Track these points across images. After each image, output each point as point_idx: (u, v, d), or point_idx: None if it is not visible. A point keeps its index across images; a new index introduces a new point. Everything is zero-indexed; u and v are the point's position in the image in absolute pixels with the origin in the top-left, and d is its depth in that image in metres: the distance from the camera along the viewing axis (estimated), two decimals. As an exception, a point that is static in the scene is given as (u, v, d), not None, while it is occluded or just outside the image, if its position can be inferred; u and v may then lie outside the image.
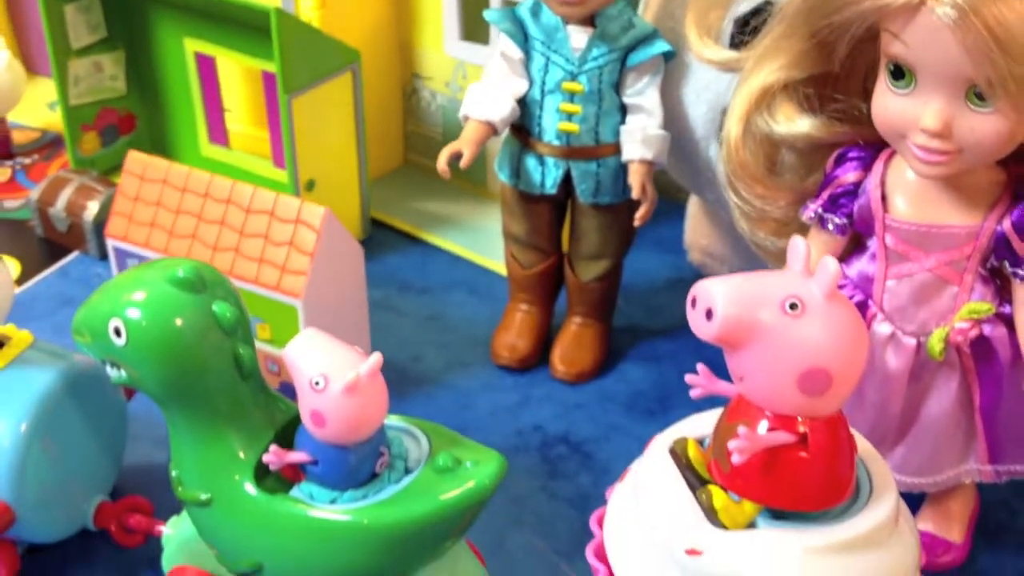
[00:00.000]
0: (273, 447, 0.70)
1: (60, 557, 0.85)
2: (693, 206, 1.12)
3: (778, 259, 0.80)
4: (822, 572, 0.58)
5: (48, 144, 1.40)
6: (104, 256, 1.18)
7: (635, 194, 0.91)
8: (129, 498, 0.84)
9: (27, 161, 1.36)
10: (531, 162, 0.96)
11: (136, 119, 1.32)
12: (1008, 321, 0.73)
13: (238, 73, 1.28)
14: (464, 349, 1.07)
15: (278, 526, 0.70)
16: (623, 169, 0.94)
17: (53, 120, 1.44)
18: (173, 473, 0.73)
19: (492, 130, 0.93)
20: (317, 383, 0.67)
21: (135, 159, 0.98)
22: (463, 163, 0.91)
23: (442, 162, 0.91)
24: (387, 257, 1.19)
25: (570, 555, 0.85)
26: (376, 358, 0.68)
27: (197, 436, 0.71)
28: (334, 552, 0.69)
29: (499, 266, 1.16)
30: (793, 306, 0.55)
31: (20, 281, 1.16)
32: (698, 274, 1.14)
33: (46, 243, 1.21)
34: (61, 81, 1.23)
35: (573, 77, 0.92)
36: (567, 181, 0.96)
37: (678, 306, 1.12)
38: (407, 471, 0.72)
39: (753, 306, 0.55)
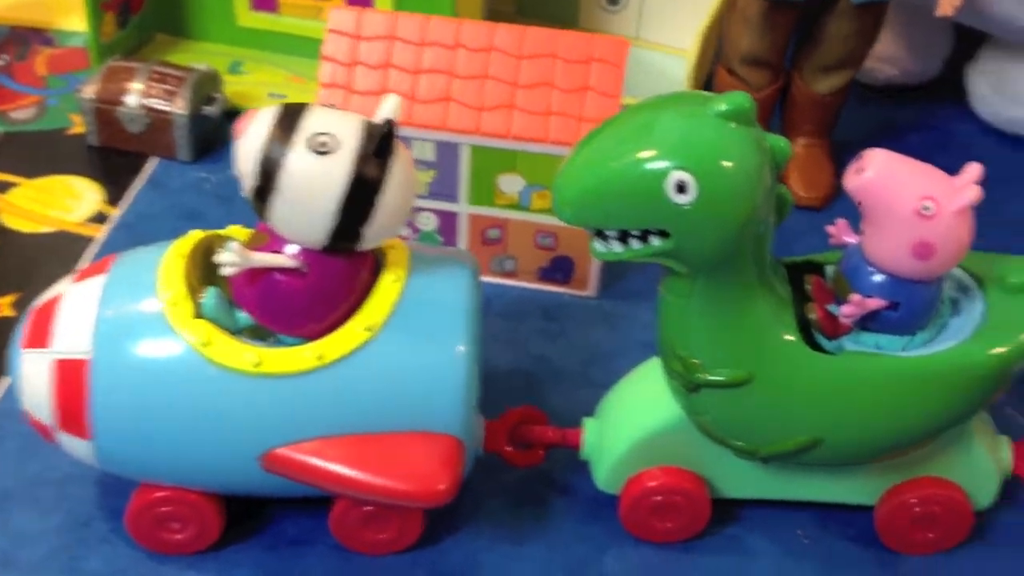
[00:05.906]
0: (854, 296, 0.59)
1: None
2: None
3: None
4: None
5: (7, 40, 1.11)
6: (197, 157, 0.96)
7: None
8: (519, 410, 0.70)
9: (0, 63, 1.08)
10: (796, -36, 0.86)
11: (144, -8, 1.07)
12: None
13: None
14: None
15: (860, 387, 0.60)
16: (895, -37, 0.87)
17: (-8, 11, 1.15)
18: (680, 354, 0.61)
19: None
20: (926, 208, 0.57)
21: (341, 16, 0.79)
22: None
23: None
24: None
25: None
26: (977, 167, 0.59)
27: (728, 307, 0.60)
28: (925, 401, 0.61)
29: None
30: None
31: (111, 204, 0.92)
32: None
33: (100, 152, 0.97)
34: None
35: None
36: (833, -19, 0.87)
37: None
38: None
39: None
